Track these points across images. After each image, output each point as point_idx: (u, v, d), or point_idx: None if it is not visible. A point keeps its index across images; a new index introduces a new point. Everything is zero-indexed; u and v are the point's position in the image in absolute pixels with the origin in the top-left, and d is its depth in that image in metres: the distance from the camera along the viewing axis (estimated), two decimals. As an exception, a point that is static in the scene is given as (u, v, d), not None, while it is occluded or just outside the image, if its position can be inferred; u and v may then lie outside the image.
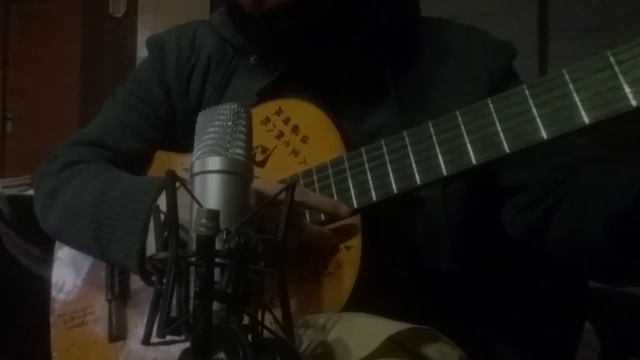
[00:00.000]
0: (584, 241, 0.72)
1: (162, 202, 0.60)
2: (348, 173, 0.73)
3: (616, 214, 0.66)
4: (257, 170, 0.80)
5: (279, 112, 0.82)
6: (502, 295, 0.86)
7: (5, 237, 1.40)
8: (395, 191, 0.69)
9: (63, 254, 0.98)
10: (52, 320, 0.97)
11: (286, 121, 0.81)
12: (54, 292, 0.98)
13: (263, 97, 0.85)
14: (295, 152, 0.79)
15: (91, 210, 0.79)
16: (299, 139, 0.79)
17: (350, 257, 0.71)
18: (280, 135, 0.81)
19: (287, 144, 0.80)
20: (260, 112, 0.82)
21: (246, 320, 0.51)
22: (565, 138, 0.61)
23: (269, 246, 0.52)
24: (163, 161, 0.92)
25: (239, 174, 0.56)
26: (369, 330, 0.59)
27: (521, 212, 0.79)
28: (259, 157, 0.82)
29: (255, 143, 0.80)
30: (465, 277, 0.81)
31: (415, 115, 0.80)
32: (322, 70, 0.86)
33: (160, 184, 0.73)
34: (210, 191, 0.55)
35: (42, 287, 1.02)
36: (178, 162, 0.88)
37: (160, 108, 0.94)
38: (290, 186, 0.58)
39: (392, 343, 0.57)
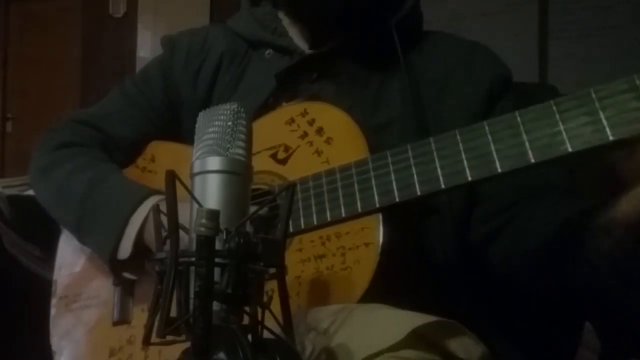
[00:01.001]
0: (516, 264, 0.78)
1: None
2: (372, 174, 0.74)
3: (537, 245, 0.72)
4: (278, 168, 0.82)
5: (304, 113, 0.83)
6: (502, 296, 0.86)
7: (5, 237, 1.40)
8: (418, 193, 0.70)
9: (68, 235, 0.98)
10: (53, 301, 0.97)
11: (311, 122, 0.82)
12: (56, 274, 0.98)
13: (281, 80, 0.87)
14: (318, 152, 0.80)
15: (79, 199, 0.88)
16: (323, 140, 0.80)
17: (368, 253, 0.73)
18: (304, 135, 0.82)
19: (311, 144, 0.81)
20: (285, 113, 0.84)
21: (246, 320, 0.51)
22: (590, 152, 0.62)
23: (269, 246, 0.52)
24: (179, 154, 0.93)
25: (239, 174, 0.56)
26: (393, 322, 0.59)
27: (479, 221, 0.83)
28: (281, 155, 0.83)
29: (278, 142, 0.83)
30: (465, 277, 0.82)
31: (424, 113, 0.83)
32: (338, 60, 0.88)
33: (139, 198, 0.84)
34: (210, 191, 0.55)
35: (42, 287, 1.02)
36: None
37: (159, 103, 0.98)
38: (290, 186, 0.58)
39: (415, 335, 0.57)
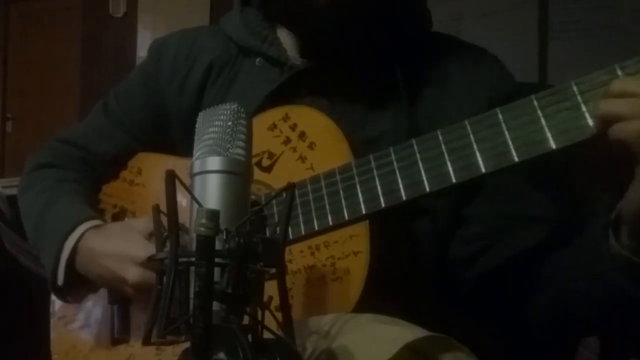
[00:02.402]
0: (502, 288, 0.77)
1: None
2: (357, 179, 0.73)
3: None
4: (263, 176, 0.81)
5: (285, 118, 0.82)
6: (501, 296, 0.86)
7: (5, 237, 1.40)
8: (404, 198, 0.70)
9: None
10: (52, 322, 0.96)
11: (293, 127, 0.81)
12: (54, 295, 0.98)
13: (271, 99, 0.85)
14: (302, 158, 0.79)
15: (33, 224, 0.92)
16: (306, 145, 0.79)
17: (358, 262, 0.72)
18: (287, 141, 0.81)
19: (294, 150, 0.80)
20: (266, 118, 0.82)
21: (246, 320, 0.51)
22: (573, 148, 0.62)
23: (269, 246, 0.52)
24: (166, 165, 0.92)
25: (239, 174, 0.55)
26: (385, 337, 0.59)
27: (460, 242, 0.81)
28: (265, 163, 0.81)
29: (261, 148, 0.81)
30: (464, 278, 0.82)
31: (418, 126, 0.81)
32: (330, 73, 0.85)
33: (73, 224, 0.85)
34: (210, 191, 0.55)
35: (42, 287, 1.02)
36: (183, 167, 0.89)
37: (141, 117, 0.97)
38: (290, 187, 0.58)
39: (408, 350, 0.57)
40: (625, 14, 2.86)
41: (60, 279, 0.85)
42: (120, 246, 0.80)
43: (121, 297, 0.88)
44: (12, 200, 1.37)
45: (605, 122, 0.58)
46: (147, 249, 0.76)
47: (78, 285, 0.87)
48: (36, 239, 0.92)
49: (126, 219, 0.94)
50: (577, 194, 0.89)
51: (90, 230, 0.85)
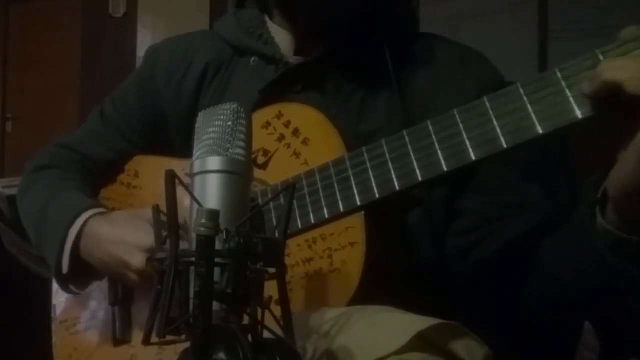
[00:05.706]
0: (497, 278, 0.77)
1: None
2: (350, 172, 0.74)
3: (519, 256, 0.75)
4: (259, 173, 0.81)
5: (279, 116, 0.83)
6: (500, 295, 0.86)
7: (5, 237, 1.40)
8: (397, 188, 0.71)
9: None
10: (54, 326, 0.97)
11: (287, 124, 0.82)
12: (55, 299, 0.98)
13: (265, 96, 0.86)
14: (296, 154, 0.80)
15: (36, 218, 0.92)
16: (300, 141, 0.80)
17: (354, 252, 0.73)
18: (281, 138, 0.82)
19: (289, 146, 0.81)
20: (260, 116, 0.83)
21: (246, 320, 0.51)
22: (560, 132, 0.63)
23: (269, 246, 0.52)
24: (163, 167, 0.93)
25: (239, 174, 0.55)
26: (396, 326, 0.60)
27: (454, 235, 0.82)
28: (260, 160, 0.82)
29: (256, 147, 0.82)
30: (461, 271, 0.83)
31: (411, 120, 0.81)
32: (323, 70, 0.87)
33: (76, 212, 0.86)
34: (210, 191, 0.55)
35: (42, 287, 1.02)
36: (179, 168, 0.89)
37: (136, 121, 0.98)
38: (290, 186, 0.58)
39: (420, 338, 0.58)
40: (624, 14, 2.86)
41: (65, 267, 0.85)
42: (126, 233, 0.80)
43: (122, 298, 0.88)
44: (12, 200, 1.37)
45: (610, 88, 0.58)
46: (153, 238, 0.77)
47: (82, 273, 0.87)
48: (39, 234, 0.91)
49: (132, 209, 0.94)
50: (577, 182, 0.89)
51: (96, 217, 0.86)
